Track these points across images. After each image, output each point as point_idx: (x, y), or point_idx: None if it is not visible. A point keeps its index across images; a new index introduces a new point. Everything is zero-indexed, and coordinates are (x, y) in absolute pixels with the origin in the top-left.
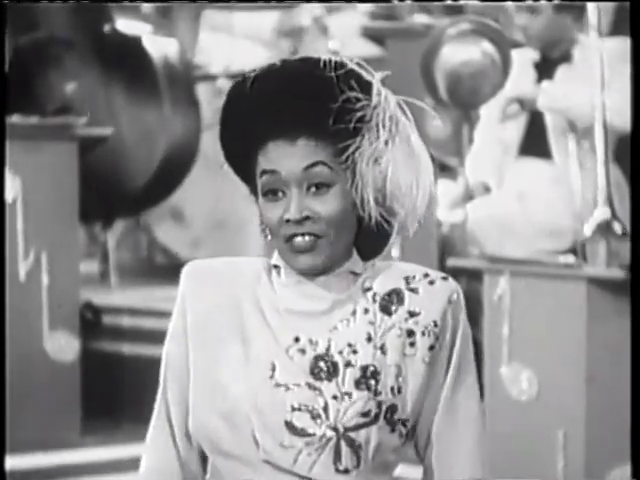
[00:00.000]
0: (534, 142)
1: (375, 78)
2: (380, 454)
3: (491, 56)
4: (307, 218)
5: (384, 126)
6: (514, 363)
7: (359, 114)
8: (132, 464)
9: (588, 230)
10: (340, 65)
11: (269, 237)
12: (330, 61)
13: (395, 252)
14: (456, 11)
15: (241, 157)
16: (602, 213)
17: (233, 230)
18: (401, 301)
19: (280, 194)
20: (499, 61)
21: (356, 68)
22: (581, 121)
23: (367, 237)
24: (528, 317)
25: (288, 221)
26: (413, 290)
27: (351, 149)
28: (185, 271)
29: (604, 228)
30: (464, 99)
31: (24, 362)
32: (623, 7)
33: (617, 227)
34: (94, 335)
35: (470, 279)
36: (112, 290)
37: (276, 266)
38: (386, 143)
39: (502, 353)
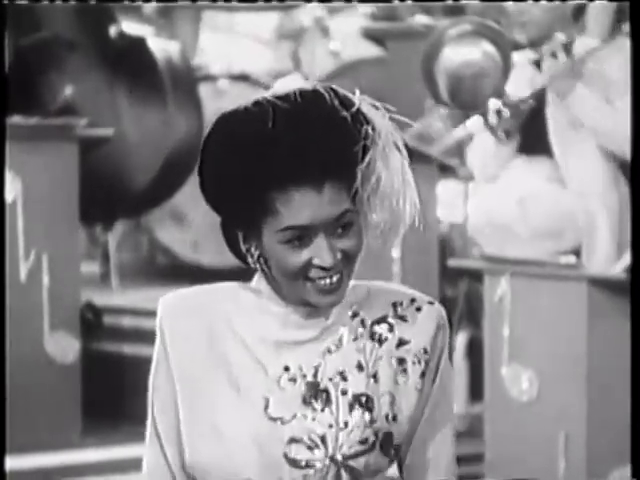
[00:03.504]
0: (534, 140)
1: (369, 104)
2: (377, 477)
3: (492, 57)
4: (338, 260)
5: (386, 145)
6: (515, 364)
7: (372, 149)
8: (133, 464)
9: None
10: (343, 100)
11: (260, 268)
12: (336, 96)
13: (395, 253)
14: (457, 12)
15: (246, 200)
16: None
17: None
18: (390, 330)
19: (305, 239)
20: (500, 62)
21: (352, 99)
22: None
23: None
24: (529, 318)
25: (320, 267)
26: (402, 318)
27: (369, 186)
28: (160, 307)
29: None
30: (465, 100)
31: (24, 363)
32: (622, 10)
33: (505, 111)
34: (95, 336)
35: (471, 280)
36: (113, 291)
37: (258, 291)
38: (384, 163)
39: (503, 354)
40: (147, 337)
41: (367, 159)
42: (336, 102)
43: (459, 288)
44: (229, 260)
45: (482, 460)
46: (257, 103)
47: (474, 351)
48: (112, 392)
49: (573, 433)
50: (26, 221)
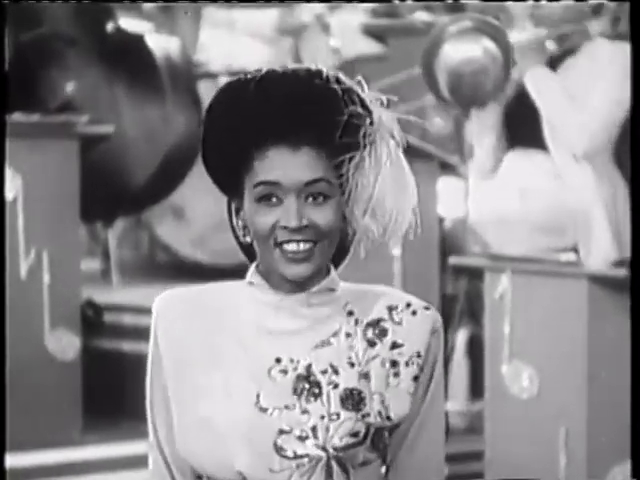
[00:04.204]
0: (529, 133)
1: (370, 96)
2: (366, 469)
3: (492, 54)
4: (305, 227)
5: (381, 143)
6: (515, 361)
7: (363, 130)
8: (133, 461)
9: None
10: (341, 80)
11: (245, 240)
12: (333, 74)
13: (396, 251)
14: (457, 9)
15: (229, 159)
16: None
17: None
18: (384, 332)
19: (274, 199)
20: (500, 59)
21: (354, 87)
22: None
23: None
24: (529, 315)
25: (285, 228)
26: (396, 322)
27: (352, 163)
28: (155, 304)
29: None
30: (465, 97)
31: (25, 360)
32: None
33: None
34: (95, 333)
35: (471, 277)
36: (113, 288)
37: (251, 282)
38: (379, 160)
39: (503, 351)
40: (147, 334)
41: (360, 143)
42: (332, 80)
43: (460, 285)
44: (229, 258)
45: (482, 458)
46: (257, 70)
47: (474, 348)
48: (112, 389)
49: (573, 430)
50: (26, 219)
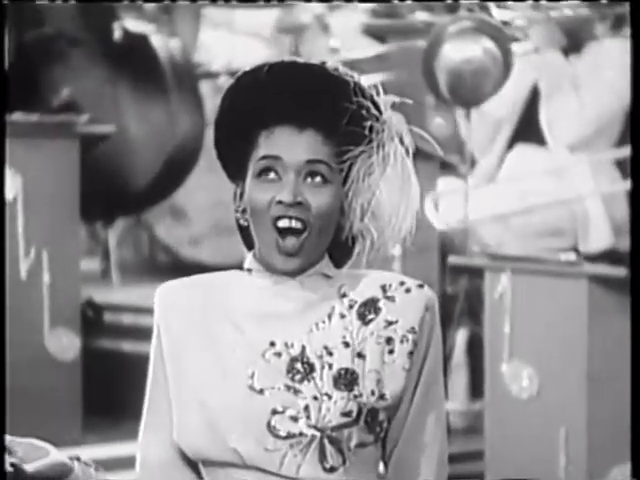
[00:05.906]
0: (529, 130)
1: (385, 99)
2: (363, 451)
3: (492, 53)
4: (299, 204)
5: (389, 143)
6: (515, 361)
7: (370, 123)
8: (133, 462)
9: None
10: (355, 76)
11: (244, 222)
12: (349, 72)
13: (397, 251)
14: (457, 9)
15: (238, 140)
16: None
17: (234, 228)
18: (378, 310)
19: (273, 175)
20: (500, 58)
21: (368, 87)
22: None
23: (335, 246)
24: (529, 315)
25: (280, 203)
26: (390, 298)
27: (354, 153)
28: (156, 296)
29: None
30: (465, 97)
31: (25, 360)
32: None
33: None
34: (95, 333)
35: (471, 277)
36: (113, 288)
37: (249, 270)
38: (385, 160)
39: (503, 351)
40: (147, 334)
41: (367, 136)
42: (347, 75)
43: (460, 285)
44: (229, 257)
45: (482, 457)
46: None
47: (474, 348)
48: (112, 389)
49: (573, 430)
50: (26, 218)
